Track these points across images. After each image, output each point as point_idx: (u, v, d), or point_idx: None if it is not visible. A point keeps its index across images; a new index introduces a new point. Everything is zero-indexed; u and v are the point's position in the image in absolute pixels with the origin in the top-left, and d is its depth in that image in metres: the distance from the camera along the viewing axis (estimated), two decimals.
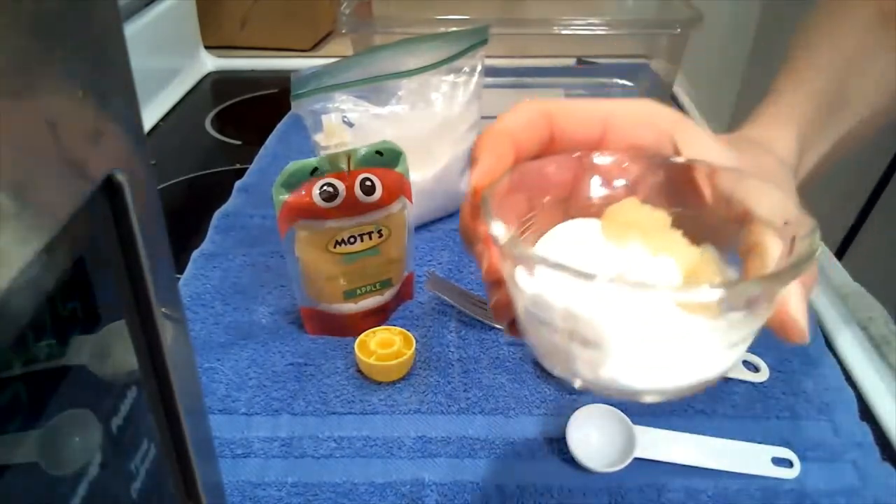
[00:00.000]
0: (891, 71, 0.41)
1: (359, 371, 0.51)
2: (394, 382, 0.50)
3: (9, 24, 0.14)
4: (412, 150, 0.53)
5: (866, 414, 0.48)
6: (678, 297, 0.23)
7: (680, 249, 0.26)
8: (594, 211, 0.29)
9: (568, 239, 0.28)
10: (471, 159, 0.30)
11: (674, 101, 0.93)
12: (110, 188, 0.19)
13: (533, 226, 0.29)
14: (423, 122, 0.61)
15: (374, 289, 0.54)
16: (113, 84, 0.19)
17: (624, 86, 0.96)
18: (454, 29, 0.66)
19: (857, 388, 0.51)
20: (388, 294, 0.55)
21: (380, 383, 0.50)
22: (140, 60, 0.84)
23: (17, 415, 0.16)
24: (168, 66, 0.98)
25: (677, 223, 0.28)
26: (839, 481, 0.43)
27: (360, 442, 0.45)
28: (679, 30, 0.82)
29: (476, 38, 0.63)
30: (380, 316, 0.55)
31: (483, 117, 0.67)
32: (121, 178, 0.19)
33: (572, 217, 0.29)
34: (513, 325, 0.29)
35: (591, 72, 1.01)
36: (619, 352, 0.24)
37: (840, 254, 0.99)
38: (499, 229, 0.25)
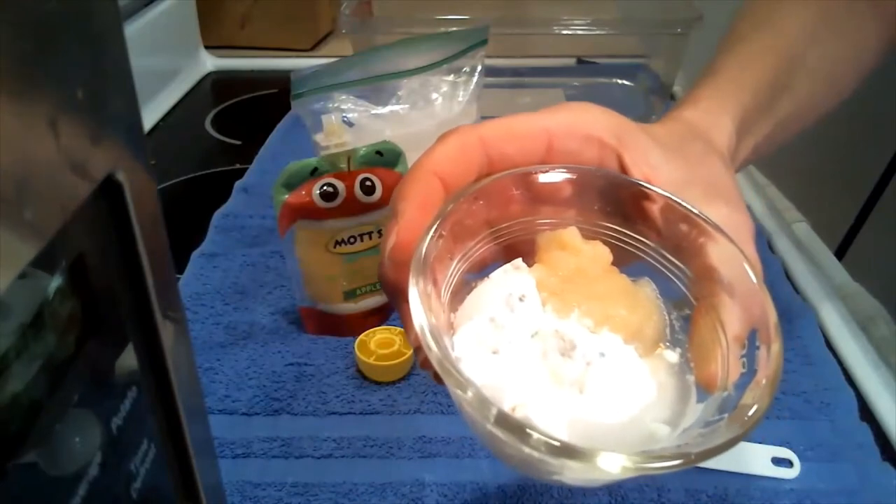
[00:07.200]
0: (830, 59, 0.41)
1: (359, 371, 0.51)
2: (394, 382, 0.50)
3: (9, 24, 0.14)
4: (412, 150, 0.53)
5: (866, 414, 0.48)
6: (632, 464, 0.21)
7: (620, 315, 0.25)
8: (532, 232, 0.27)
9: (497, 314, 0.24)
10: (391, 208, 0.26)
11: (674, 101, 0.93)
12: (110, 188, 0.19)
13: (465, 260, 0.26)
14: (423, 122, 0.61)
15: (374, 289, 0.54)
16: (113, 84, 0.19)
17: (624, 86, 0.96)
18: (454, 29, 0.65)
19: (857, 388, 0.51)
20: None
21: (380, 383, 0.50)
22: (140, 60, 0.84)
23: (16, 414, 0.16)
24: (168, 66, 0.98)
25: (614, 241, 0.27)
26: (839, 481, 0.43)
27: (359, 442, 0.45)
28: (679, 30, 0.82)
29: (476, 38, 0.63)
30: (380, 316, 0.55)
31: (483, 117, 0.67)
32: (121, 178, 0.19)
33: (507, 241, 0.27)
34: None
35: (591, 72, 1.01)
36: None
37: (840, 254, 0.99)
38: (429, 339, 0.22)
